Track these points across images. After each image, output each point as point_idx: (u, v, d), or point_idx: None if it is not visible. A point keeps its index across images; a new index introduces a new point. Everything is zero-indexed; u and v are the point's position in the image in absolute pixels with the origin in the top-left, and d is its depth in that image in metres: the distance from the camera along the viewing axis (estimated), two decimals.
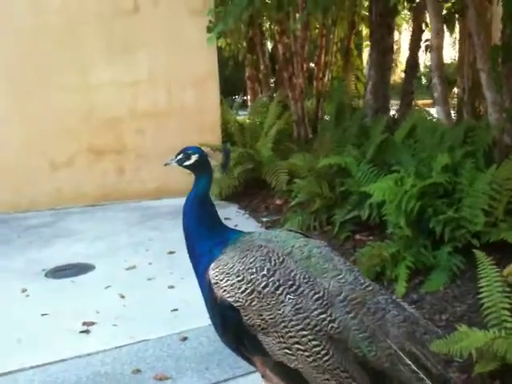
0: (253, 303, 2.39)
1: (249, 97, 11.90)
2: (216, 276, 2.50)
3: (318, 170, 5.85)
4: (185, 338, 3.90)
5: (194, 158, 2.71)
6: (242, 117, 10.03)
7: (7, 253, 5.95)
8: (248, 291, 2.41)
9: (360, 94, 10.50)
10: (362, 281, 2.48)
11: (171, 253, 5.69)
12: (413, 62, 7.88)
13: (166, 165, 2.80)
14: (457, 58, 8.77)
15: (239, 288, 2.43)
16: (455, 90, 9.31)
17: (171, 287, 4.83)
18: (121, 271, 5.27)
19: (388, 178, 4.76)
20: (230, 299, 2.44)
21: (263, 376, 2.59)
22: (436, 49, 5.41)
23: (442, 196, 4.61)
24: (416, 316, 2.53)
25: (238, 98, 16.23)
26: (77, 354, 3.76)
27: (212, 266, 2.53)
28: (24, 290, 4.90)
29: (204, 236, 2.65)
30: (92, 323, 4.20)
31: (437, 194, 4.60)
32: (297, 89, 8.92)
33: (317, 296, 2.36)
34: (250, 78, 11.27)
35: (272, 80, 12.37)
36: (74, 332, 4.08)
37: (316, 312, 2.33)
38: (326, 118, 9.55)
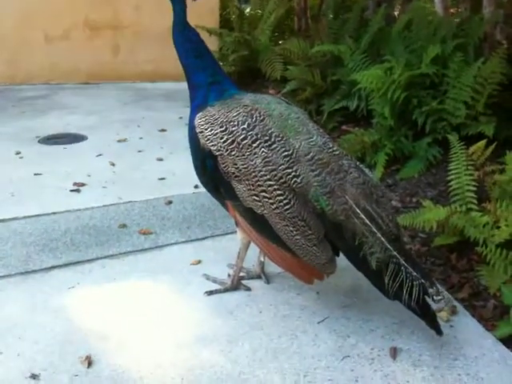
0: (232, 152, 2.63)
1: None
2: (201, 125, 2.74)
3: (310, 58, 5.87)
4: (170, 202, 4.14)
5: None
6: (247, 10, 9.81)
7: (1, 120, 6.10)
8: (229, 141, 2.65)
9: None
10: (331, 145, 2.71)
11: (162, 130, 5.88)
12: None
13: None
14: None
15: (221, 138, 2.66)
16: None
17: (160, 159, 5.04)
18: (112, 143, 5.45)
19: (378, 67, 4.83)
20: (213, 147, 2.68)
21: (236, 223, 2.86)
22: None
23: (429, 87, 4.70)
24: (376, 181, 2.76)
25: None
26: (67, 208, 4.01)
27: (199, 115, 2.77)
28: (18, 153, 5.10)
29: (194, 66, 2.88)
30: (82, 184, 4.43)
31: (423, 85, 4.70)
32: None
33: (286, 153, 2.60)
34: None
35: None
36: (65, 190, 4.32)
37: (283, 166, 2.58)
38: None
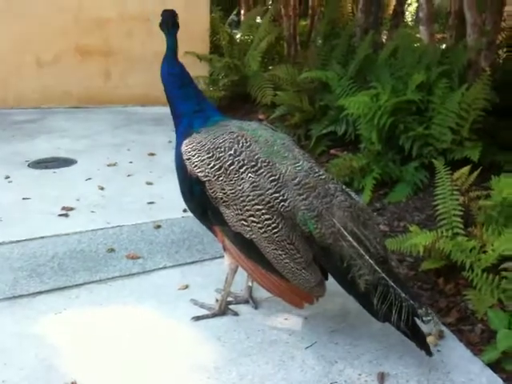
0: (219, 178, 2.66)
1: (242, 12, 11.69)
2: (188, 152, 2.77)
3: (299, 84, 5.96)
4: (158, 226, 4.14)
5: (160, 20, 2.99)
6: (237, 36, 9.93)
7: None
8: (216, 167, 2.68)
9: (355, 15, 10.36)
10: (317, 170, 2.76)
11: (152, 154, 5.90)
12: None
13: None
14: None
15: (208, 164, 2.70)
16: None
17: (149, 183, 5.05)
18: (102, 167, 5.46)
19: (364, 93, 4.90)
20: (200, 174, 2.71)
21: (224, 248, 2.87)
22: None
23: (415, 113, 4.78)
24: (362, 204, 2.80)
25: (233, 15, 15.80)
26: (55, 233, 3.99)
27: (186, 142, 2.81)
28: (7, 177, 5.09)
29: (179, 96, 2.95)
30: (71, 209, 4.42)
31: (409, 111, 4.77)
32: (290, 5, 8.79)
33: (273, 178, 2.64)
34: None
35: None
36: (54, 215, 4.31)
37: (270, 191, 2.61)
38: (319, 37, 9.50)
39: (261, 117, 7.21)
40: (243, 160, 2.66)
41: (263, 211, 2.60)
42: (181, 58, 3.24)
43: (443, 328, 2.95)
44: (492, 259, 3.04)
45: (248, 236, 2.64)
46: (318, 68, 6.14)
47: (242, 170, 2.64)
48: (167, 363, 2.70)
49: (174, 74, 2.95)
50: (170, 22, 2.95)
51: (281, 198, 2.60)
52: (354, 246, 2.57)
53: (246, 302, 3.20)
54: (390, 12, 10.07)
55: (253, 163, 2.66)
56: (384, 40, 8.07)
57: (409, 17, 12.99)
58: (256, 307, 3.16)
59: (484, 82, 4.46)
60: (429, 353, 2.59)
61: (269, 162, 2.67)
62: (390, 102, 4.63)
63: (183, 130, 2.92)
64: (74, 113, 7.63)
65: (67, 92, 7.81)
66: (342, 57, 6.36)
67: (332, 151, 5.69)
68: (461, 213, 3.50)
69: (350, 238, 2.58)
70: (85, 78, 7.82)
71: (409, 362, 2.71)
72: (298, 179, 2.65)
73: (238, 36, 9.07)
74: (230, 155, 2.68)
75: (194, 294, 3.28)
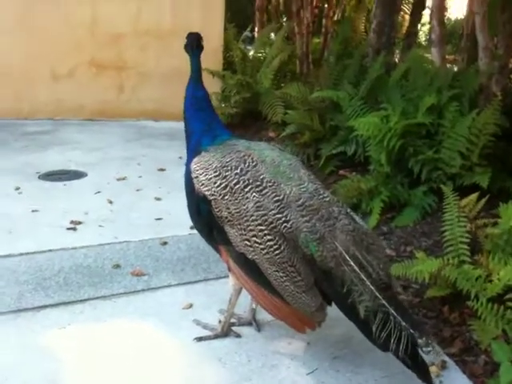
0: (225, 197, 2.69)
1: (256, 28, 11.76)
2: (197, 170, 2.81)
3: (310, 103, 5.97)
4: (165, 243, 4.16)
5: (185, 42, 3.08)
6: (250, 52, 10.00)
7: (3, 154, 6.16)
8: (222, 186, 2.71)
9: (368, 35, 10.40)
10: (322, 192, 2.77)
11: (161, 170, 5.94)
12: (419, 2, 7.79)
13: None
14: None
15: (215, 182, 2.73)
16: None
17: (158, 199, 5.08)
18: (111, 180, 5.50)
19: (374, 114, 4.90)
20: (207, 192, 2.74)
21: (228, 269, 2.88)
22: None
23: (424, 137, 4.76)
24: (366, 228, 2.79)
25: (246, 32, 15.88)
26: (62, 246, 4.03)
27: (195, 160, 2.85)
28: (17, 188, 5.14)
29: (194, 116, 3.04)
30: (79, 222, 4.46)
31: (419, 135, 4.75)
32: (304, 23, 8.84)
33: (277, 198, 2.65)
34: (259, 9, 11.05)
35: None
36: (62, 228, 4.35)
37: (273, 211, 2.63)
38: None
39: (271, 134, 7.23)
40: (248, 179, 2.69)
41: (266, 232, 2.61)
42: None
43: (446, 358, 2.92)
44: (497, 289, 3.00)
45: (251, 257, 2.66)
46: (329, 87, 6.15)
47: (246, 190, 2.67)
48: (168, 383, 2.71)
49: (197, 97, 3.04)
50: (194, 44, 3.03)
51: (283, 218, 2.61)
52: (355, 271, 2.56)
53: (250, 323, 3.19)
54: (404, 32, 10.11)
55: (258, 183, 2.68)
56: (397, 60, 8.10)
57: (423, 37, 13.02)
58: (259, 330, 3.15)
59: (495, 107, 4.43)
60: None
61: (274, 183, 2.69)
62: (400, 124, 4.62)
63: (193, 147, 2.99)
64: (87, 125, 7.71)
65: (81, 105, 7.90)
66: (354, 77, 6.35)
67: (341, 172, 5.68)
68: (468, 240, 3.47)
69: (352, 263, 2.57)
70: (98, 92, 7.91)
71: None
72: (301, 200, 2.66)
73: (251, 53, 9.14)
74: (236, 174, 2.71)
75: (197, 313, 3.29)
